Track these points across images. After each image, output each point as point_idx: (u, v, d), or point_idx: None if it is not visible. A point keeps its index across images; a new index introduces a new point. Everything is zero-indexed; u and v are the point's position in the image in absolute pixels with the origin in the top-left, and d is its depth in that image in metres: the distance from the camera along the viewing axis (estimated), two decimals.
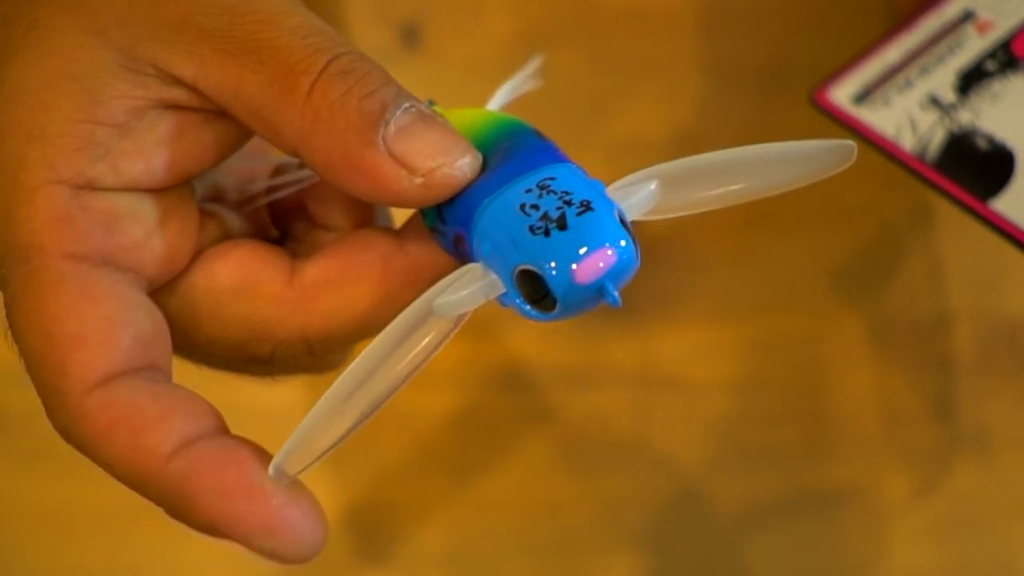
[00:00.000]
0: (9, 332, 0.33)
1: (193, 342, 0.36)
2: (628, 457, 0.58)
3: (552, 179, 0.32)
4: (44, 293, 0.32)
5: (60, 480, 0.57)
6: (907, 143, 0.43)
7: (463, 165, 0.33)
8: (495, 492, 0.58)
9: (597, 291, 0.31)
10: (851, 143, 0.34)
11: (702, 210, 0.34)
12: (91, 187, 0.33)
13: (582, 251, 0.31)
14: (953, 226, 0.57)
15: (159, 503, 0.31)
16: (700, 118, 0.55)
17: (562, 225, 0.31)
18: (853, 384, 0.58)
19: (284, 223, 0.39)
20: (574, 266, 0.31)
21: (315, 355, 0.37)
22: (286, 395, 0.53)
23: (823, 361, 0.58)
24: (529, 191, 0.32)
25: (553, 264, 0.31)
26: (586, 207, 0.31)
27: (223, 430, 0.32)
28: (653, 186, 0.33)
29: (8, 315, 0.33)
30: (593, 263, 0.31)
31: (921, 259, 0.57)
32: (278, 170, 0.39)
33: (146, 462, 0.31)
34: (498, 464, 0.58)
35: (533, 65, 0.40)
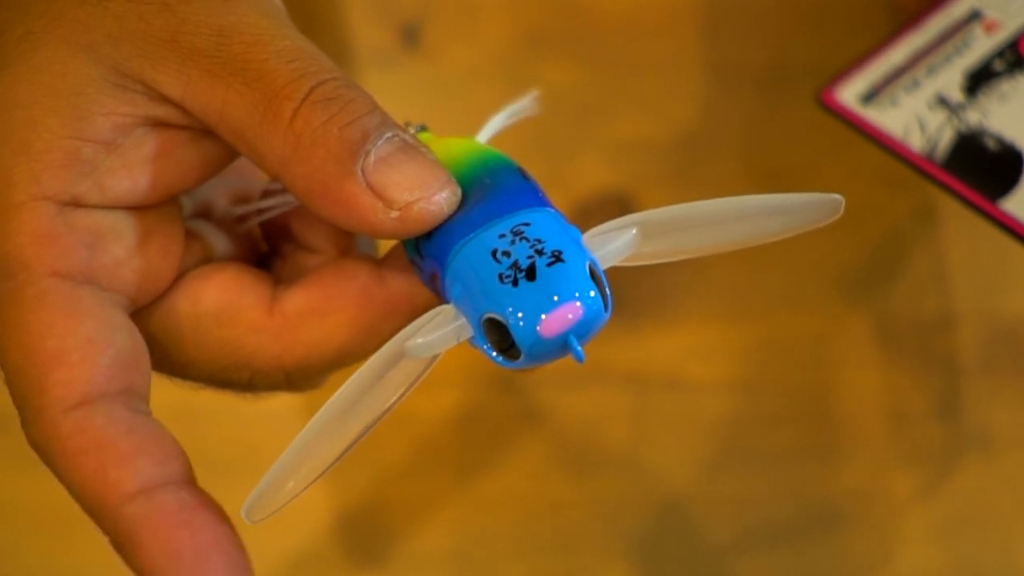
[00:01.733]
0: None
1: (172, 363, 0.36)
2: (628, 458, 0.58)
3: (527, 225, 0.32)
4: (26, 308, 0.32)
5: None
6: (915, 143, 0.43)
7: (440, 200, 0.33)
8: (495, 492, 0.58)
9: (563, 344, 0.31)
10: (839, 197, 0.34)
11: (680, 258, 0.34)
12: (76, 204, 0.33)
13: (549, 303, 0.30)
14: (958, 227, 0.57)
15: (106, 533, 0.32)
16: (703, 119, 0.55)
17: (531, 276, 0.31)
18: (857, 384, 0.58)
19: (273, 240, 0.39)
20: (541, 318, 0.30)
21: (292, 383, 0.37)
22: (286, 398, 0.53)
23: (826, 361, 0.58)
24: (503, 236, 0.32)
25: (520, 315, 0.31)
26: (556, 258, 0.31)
27: (189, 478, 0.32)
28: (632, 233, 0.33)
29: None
30: (560, 316, 0.30)
31: (926, 259, 0.57)
32: (268, 192, 0.38)
33: (106, 496, 0.31)
34: (498, 464, 0.58)
35: (529, 97, 0.39)
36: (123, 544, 0.31)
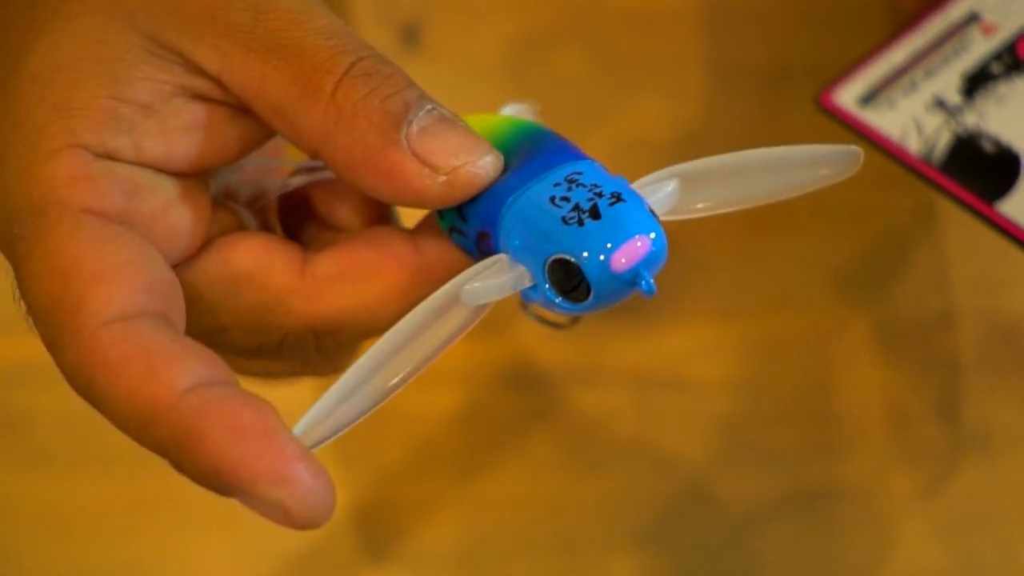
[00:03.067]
0: (17, 290, 0.32)
1: (202, 327, 0.36)
2: (631, 456, 0.58)
3: (580, 173, 0.33)
4: (60, 238, 0.31)
5: (60, 480, 0.57)
6: (913, 145, 0.43)
7: (486, 164, 0.33)
8: (498, 491, 0.58)
9: (631, 279, 0.31)
10: (857, 148, 0.34)
11: (715, 212, 0.35)
12: (111, 157, 0.33)
13: (618, 238, 0.31)
14: (957, 227, 0.57)
15: (163, 445, 0.30)
16: (703, 119, 0.55)
17: (595, 215, 0.31)
18: (857, 384, 0.58)
19: (294, 229, 0.39)
20: (611, 252, 0.31)
21: (321, 350, 0.37)
22: (295, 394, 0.53)
23: (827, 361, 0.58)
24: (558, 185, 0.32)
25: (589, 253, 0.31)
26: (617, 198, 0.32)
27: (239, 385, 0.31)
28: (674, 185, 0.34)
29: (19, 270, 0.32)
30: (629, 250, 0.31)
31: (925, 260, 0.57)
32: (295, 173, 0.39)
33: (159, 395, 0.30)
34: (502, 463, 0.58)
35: (530, 106, 0.39)
36: (184, 443, 0.29)
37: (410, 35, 0.56)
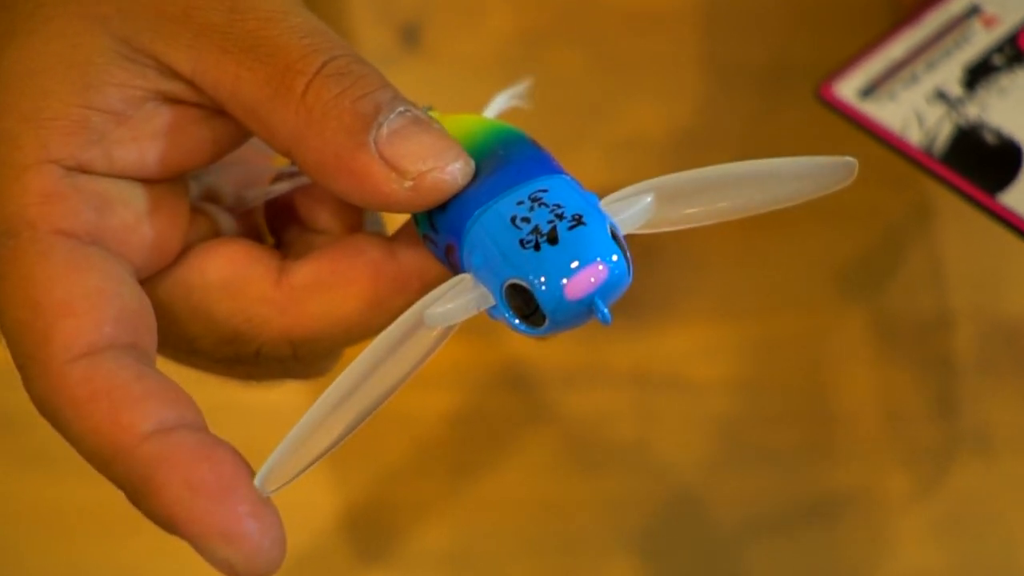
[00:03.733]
0: None
1: (178, 337, 0.36)
2: (629, 457, 0.58)
3: (544, 191, 0.32)
4: (31, 263, 0.32)
5: (60, 480, 0.57)
6: (914, 137, 0.43)
7: (454, 170, 0.32)
8: (495, 492, 0.58)
9: (588, 307, 0.31)
10: (852, 160, 0.33)
11: (696, 224, 0.34)
12: (83, 170, 0.33)
13: (573, 266, 0.30)
14: (956, 224, 0.57)
15: (123, 485, 0.31)
16: (703, 116, 0.55)
17: (553, 239, 0.31)
18: (855, 383, 0.58)
19: (277, 230, 0.39)
20: (564, 281, 0.30)
21: (300, 359, 0.36)
22: (288, 394, 0.53)
23: (825, 360, 0.58)
24: (521, 203, 0.32)
25: (543, 279, 0.30)
26: (578, 221, 0.31)
27: (203, 426, 0.32)
28: (648, 199, 0.33)
29: None
30: (584, 279, 0.30)
31: (924, 257, 0.57)
32: (279, 177, 0.38)
33: (120, 439, 0.30)
34: (499, 464, 0.58)
35: (523, 86, 0.39)
36: (141, 488, 0.30)
37: (410, 35, 0.56)
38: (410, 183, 0.32)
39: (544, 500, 0.58)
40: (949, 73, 0.44)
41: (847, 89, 0.45)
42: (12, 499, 0.58)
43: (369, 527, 0.59)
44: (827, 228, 0.57)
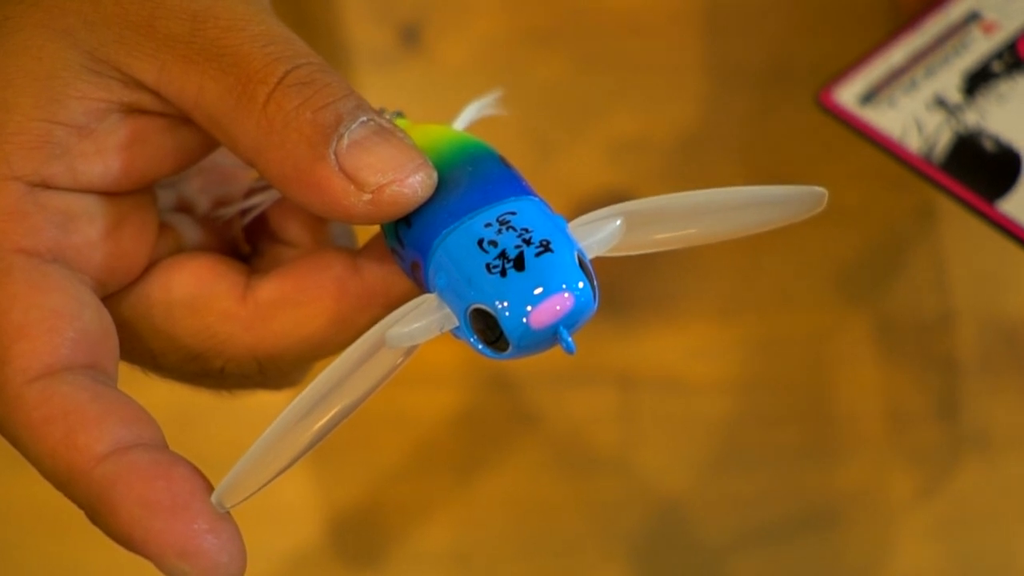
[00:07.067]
0: None
1: (143, 351, 0.36)
2: (626, 458, 0.58)
3: (513, 214, 0.31)
4: None
5: None
6: (913, 144, 0.43)
7: (414, 183, 0.32)
8: (492, 492, 0.58)
9: (552, 335, 0.30)
10: (822, 190, 0.33)
11: (665, 249, 0.34)
12: (46, 185, 0.33)
13: (538, 293, 0.30)
14: (957, 226, 0.57)
15: (81, 505, 0.31)
16: (702, 119, 0.55)
17: (520, 265, 0.30)
18: (856, 384, 0.58)
19: (253, 239, 0.39)
20: (529, 309, 0.30)
21: (266, 374, 0.36)
22: (279, 393, 0.53)
23: (826, 361, 0.58)
24: (489, 225, 0.31)
25: (507, 305, 0.30)
26: (545, 247, 0.31)
27: (161, 443, 0.32)
28: (617, 223, 0.33)
29: None
30: (549, 307, 0.30)
31: (925, 259, 0.57)
32: (252, 190, 0.38)
33: (75, 461, 0.30)
34: (495, 464, 0.58)
35: (494, 96, 0.39)
36: (98, 509, 0.30)
37: (410, 35, 0.55)
38: (368, 196, 0.32)
39: (539, 501, 0.58)
40: (948, 80, 0.44)
41: (847, 95, 0.45)
42: (12, 499, 0.58)
43: (364, 528, 0.59)
44: (827, 231, 0.57)
